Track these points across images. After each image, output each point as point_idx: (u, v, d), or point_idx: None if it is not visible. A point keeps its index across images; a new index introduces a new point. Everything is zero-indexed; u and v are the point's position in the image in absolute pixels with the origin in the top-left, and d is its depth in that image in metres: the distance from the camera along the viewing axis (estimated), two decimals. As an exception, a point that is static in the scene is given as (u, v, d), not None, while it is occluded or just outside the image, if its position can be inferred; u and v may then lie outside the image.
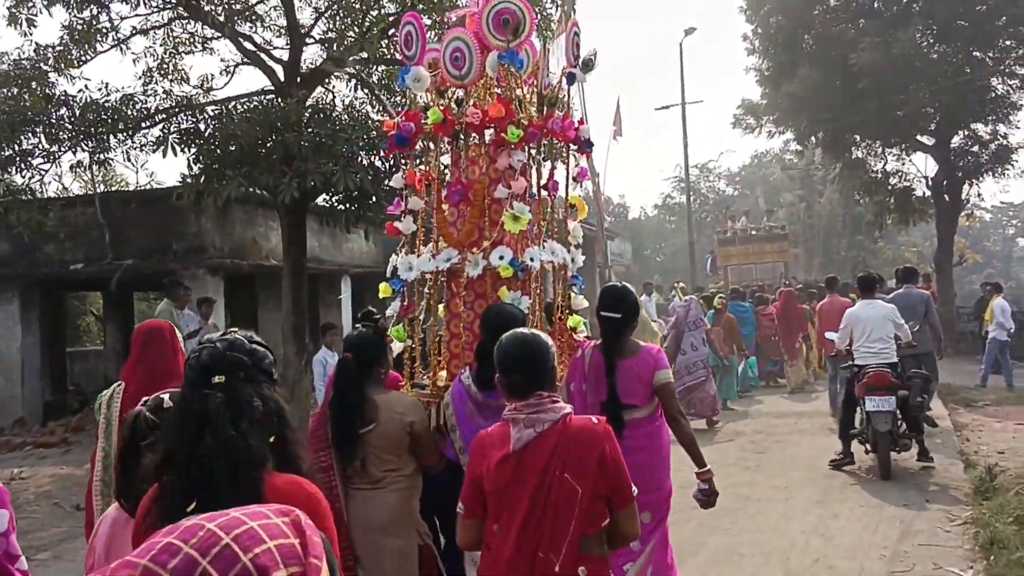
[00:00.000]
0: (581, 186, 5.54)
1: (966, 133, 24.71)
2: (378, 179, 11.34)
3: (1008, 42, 23.22)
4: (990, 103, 23.82)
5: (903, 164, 26.18)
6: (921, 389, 9.35)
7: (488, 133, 4.70)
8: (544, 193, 4.97)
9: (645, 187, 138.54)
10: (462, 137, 4.71)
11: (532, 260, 4.53)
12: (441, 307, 4.94)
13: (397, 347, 4.76)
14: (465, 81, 4.61)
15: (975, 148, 24.73)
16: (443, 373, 4.71)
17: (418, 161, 5.00)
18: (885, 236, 46.20)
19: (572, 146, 5.02)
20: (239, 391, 2.15)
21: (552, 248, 4.79)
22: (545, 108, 4.75)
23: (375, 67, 12.85)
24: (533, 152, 4.85)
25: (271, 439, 2.17)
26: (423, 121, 4.68)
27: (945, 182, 24.60)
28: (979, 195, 26.24)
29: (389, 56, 12.11)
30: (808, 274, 41.21)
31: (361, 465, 3.98)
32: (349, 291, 17.33)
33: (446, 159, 5.06)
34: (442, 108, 4.62)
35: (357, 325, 4.45)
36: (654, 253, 60.85)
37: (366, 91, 12.94)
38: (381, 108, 12.28)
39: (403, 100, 6.99)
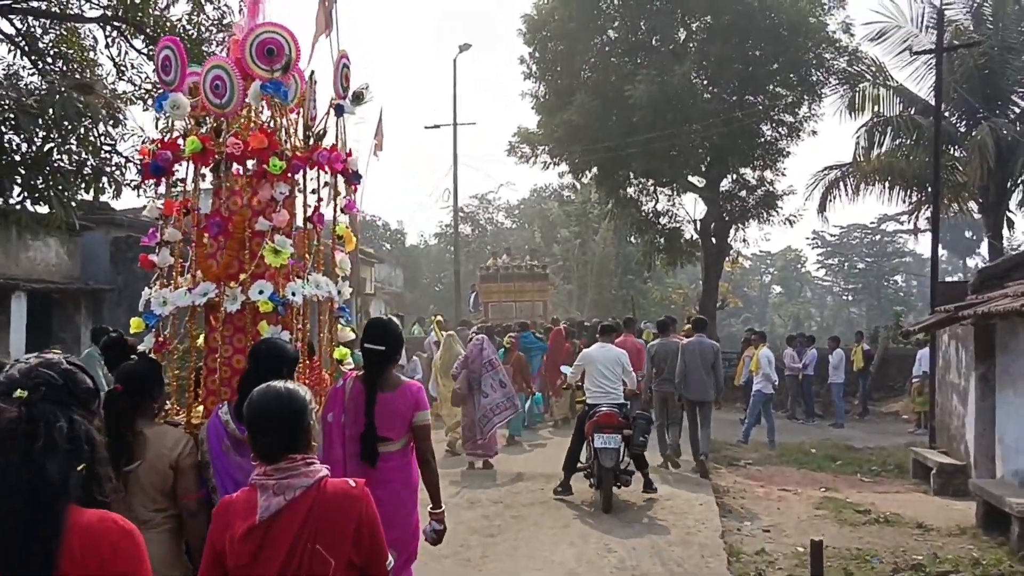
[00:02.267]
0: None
1: (735, 177, 24.71)
2: (68, 174, 8.90)
3: (778, 89, 23.38)
4: (759, 148, 23.88)
5: (673, 205, 25.96)
6: (644, 430, 9.63)
7: (251, 164, 4.50)
8: (310, 225, 4.77)
9: (424, 213, 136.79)
10: (223, 167, 4.46)
11: (294, 294, 4.38)
12: (200, 341, 4.71)
13: None
14: (226, 110, 4.39)
15: (742, 193, 24.75)
16: (199, 409, 4.49)
17: (176, 190, 4.79)
18: (654, 277, 47.17)
19: (340, 177, 4.92)
20: (41, 409, 2.00)
21: (317, 281, 4.65)
22: (312, 140, 4.62)
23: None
24: (298, 183, 4.65)
25: (79, 468, 2.00)
26: (181, 149, 4.45)
27: (713, 225, 24.41)
28: (744, 240, 26.21)
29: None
30: (580, 311, 41.12)
31: (128, 506, 3.63)
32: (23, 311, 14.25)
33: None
34: (201, 136, 4.40)
35: (133, 356, 4.25)
36: (432, 283, 59.41)
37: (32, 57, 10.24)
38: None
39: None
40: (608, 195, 25.81)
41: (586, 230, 45.20)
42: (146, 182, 5.40)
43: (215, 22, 10.95)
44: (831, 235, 76.63)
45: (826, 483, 11.18)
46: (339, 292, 4.92)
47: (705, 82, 23.21)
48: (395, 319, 4.79)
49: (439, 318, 18.02)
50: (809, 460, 12.84)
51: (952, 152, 22.33)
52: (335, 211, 5.00)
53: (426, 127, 33.54)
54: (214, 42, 10.80)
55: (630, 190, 25.32)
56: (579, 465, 9.65)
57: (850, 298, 79.46)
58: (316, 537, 2.64)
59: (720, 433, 14.78)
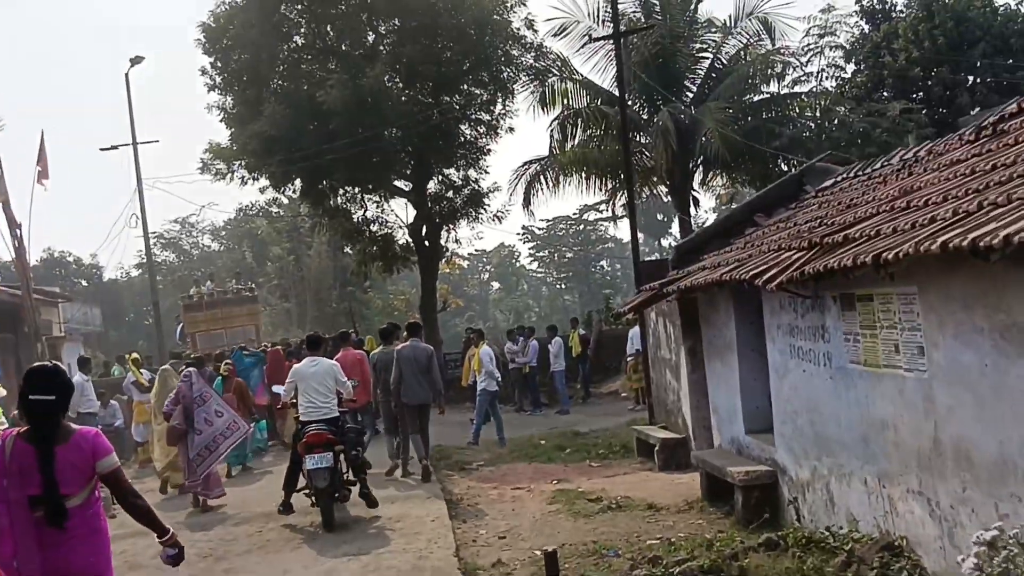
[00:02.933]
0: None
1: (440, 178, 24.62)
2: None
3: (472, 88, 23.51)
4: (460, 148, 23.92)
5: (383, 211, 25.46)
6: (356, 443, 9.86)
7: None
8: None
9: (115, 243, 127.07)
10: None
11: None
12: None
13: None
14: None
15: (449, 193, 24.71)
16: None
17: None
18: (374, 285, 46.62)
19: None
20: None
21: None
22: None
23: None
24: None
25: None
26: None
27: (424, 228, 24.18)
28: (457, 240, 26.22)
29: None
30: (302, 329, 39.76)
31: None
32: None
33: None
34: None
35: None
36: (141, 317, 55.12)
37: None
38: None
39: None
40: (315, 207, 24.86)
41: (299, 245, 43.84)
42: None
43: None
44: (539, 229, 79.70)
45: (558, 474, 11.11)
46: None
47: (400, 84, 22.88)
48: (60, 364, 4.43)
49: (135, 355, 16.33)
50: (539, 453, 12.79)
51: (639, 139, 23.53)
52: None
53: (102, 149, 30.70)
54: None
55: (337, 200, 24.51)
56: (300, 484, 9.45)
57: (563, 286, 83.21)
58: None
59: (451, 437, 14.53)
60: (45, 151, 16.75)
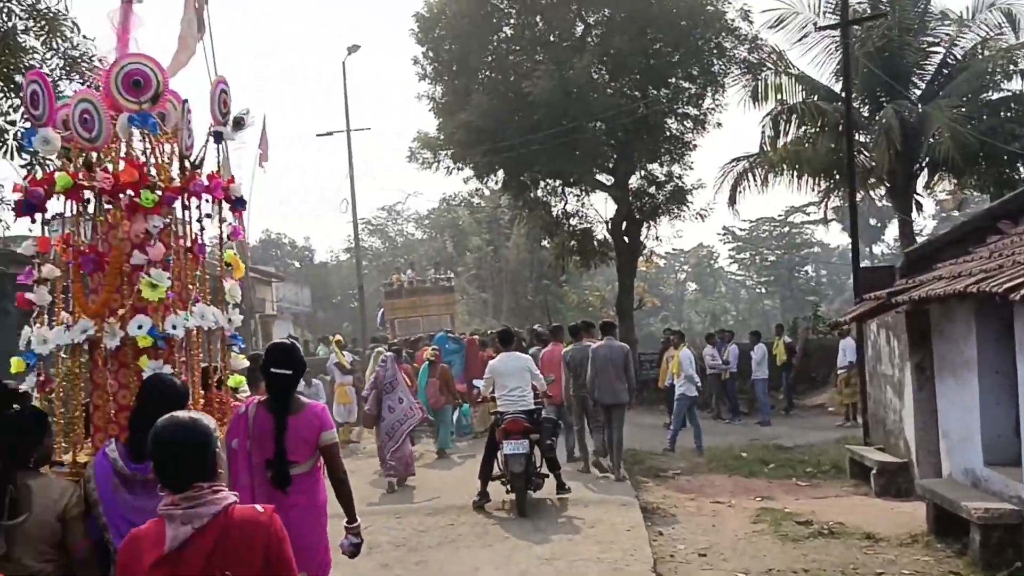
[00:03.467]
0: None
1: (643, 173, 24.06)
2: None
3: (681, 81, 22.82)
4: (665, 142, 23.28)
5: (583, 205, 25.19)
6: (551, 432, 10.26)
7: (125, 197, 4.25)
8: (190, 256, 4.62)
9: (325, 227, 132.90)
10: (96, 202, 4.35)
11: (175, 328, 4.23)
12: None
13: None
14: (96, 143, 4.25)
15: (651, 189, 24.12)
16: (87, 447, 4.37)
17: (54, 226, 4.54)
18: (570, 280, 46.56)
19: (224, 204, 4.78)
20: None
21: (202, 312, 4.50)
22: (187, 170, 4.49)
23: None
24: (176, 214, 4.55)
25: None
26: (53, 185, 4.26)
27: (624, 223, 23.70)
28: (657, 238, 25.54)
29: None
30: (497, 319, 40.23)
31: (6, 557, 3.55)
32: None
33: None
34: (71, 172, 4.26)
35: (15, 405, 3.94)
36: (346, 300, 57.71)
37: None
38: None
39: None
40: (516, 198, 24.93)
41: (498, 237, 44.33)
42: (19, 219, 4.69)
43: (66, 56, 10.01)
44: (741, 229, 77.33)
45: (761, 491, 10.36)
46: (229, 320, 4.83)
47: (607, 76, 22.45)
48: (295, 342, 4.87)
49: (338, 338, 16.77)
50: (740, 465, 12.01)
51: (858, 137, 22.05)
52: (221, 238, 4.88)
53: (318, 135, 32.12)
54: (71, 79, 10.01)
55: (538, 192, 24.47)
56: (495, 472, 9.83)
57: (763, 291, 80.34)
58: (225, 565, 2.68)
59: (645, 440, 14.02)
60: (267, 135, 17.40)
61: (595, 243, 24.97)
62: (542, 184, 24.23)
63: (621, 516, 8.76)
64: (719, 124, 23.82)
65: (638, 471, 11.67)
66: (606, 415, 11.22)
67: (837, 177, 22.63)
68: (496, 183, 24.66)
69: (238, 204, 4.93)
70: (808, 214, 73.77)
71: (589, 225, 25.14)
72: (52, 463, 4.26)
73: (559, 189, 24.65)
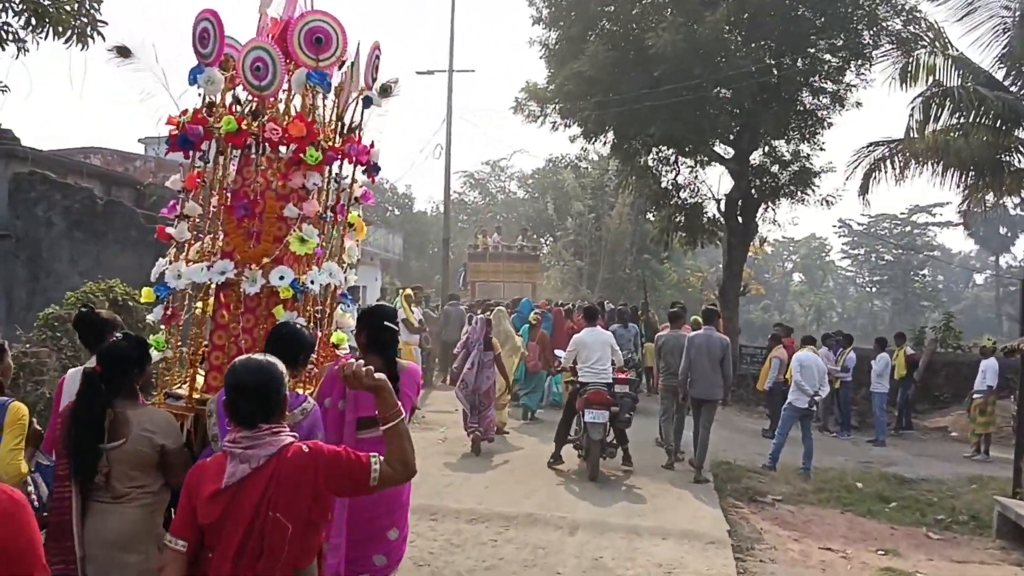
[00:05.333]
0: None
1: (767, 150, 21.85)
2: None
3: (823, 53, 20.45)
4: (795, 118, 21.01)
5: (696, 177, 23.12)
6: (629, 407, 10.52)
7: (283, 149, 4.48)
8: (330, 215, 4.80)
9: (417, 172, 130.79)
10: (256, 150, 4.43)
11: (312, 282, 4.47)
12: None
13: (155, 356, 4.45)
14: (264, 93, 4.35)
15: (774, 167, 21.89)
16: (200, 384, 4.49)
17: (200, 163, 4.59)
18: (671, 257, 44.42)
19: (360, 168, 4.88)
20: None
21: (331, 270, 4.65)
22: (345, 132, 4.66)
23: None
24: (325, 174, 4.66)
25: None
26: (213, 125, 4.34)
27: (740, 202, 21.57)
28: (774, 221, 23.22)
29: None
30: (591, 290, 38.66)
31: (105, 479, 3.83)
32: None
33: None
34: (237, 117, 4.32)
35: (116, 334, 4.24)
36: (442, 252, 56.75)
37: None
38: None
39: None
40: (624, 163, 22.98)
41: (601, 204, 42.43)
42: (172, 153, 4.69)
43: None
44: (859, 224, 73.64)
45: (882, 539, 8.47)
46: (344, 279, 4.92)
47: (739, 37, 20.20)
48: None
49: (408, 291, 15.25)
50: (855, 500, 10.07)
51: (1017, 133, 19.47)
52: (349, 199, 4.96)
53: (418, 72, 30.55)
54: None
55: (648, 158, 22.53)
56: (569, 437, 10.62)
57: (873, 290, 76.59)
58: (275, 505, 2.89)
59: (739, 448, 12.24)
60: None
61: (704, 220, 22.94)
62: (654, 151, 22.26)
63: (707, 559, 7.03)
64: (858, 104, 21.39)
65: (730, 491, 9.92)
66: (695, 410, 10.66)
67: (987, 176, 20.13)
68: (604, 144, 22.69)
69: (374, 169, 4.95)
70: (933, 215, 69.88)
71: (700, 200, 23.10)
72: (168, 394, 4.50)
73: (671, 158, 22.66)
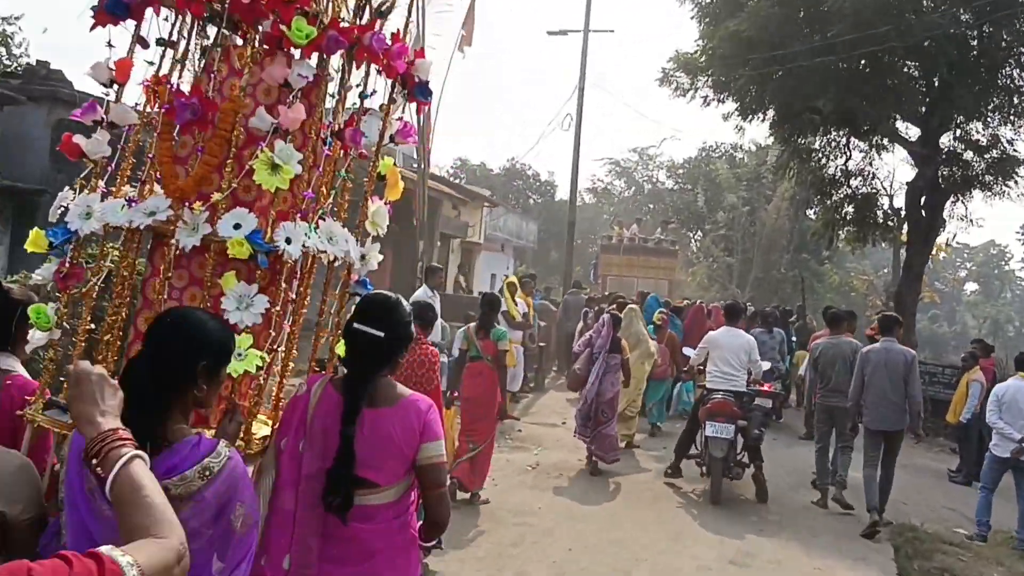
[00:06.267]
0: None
1: (959, 133, 18.42)
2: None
3: (1035, 18, 16.91)
4: (997, 94, 17.50)
5: (871, 163, 19.93)
6: (760, 422, 9.33)
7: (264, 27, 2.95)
8: (338, 144, 3.33)
9: (544, 145, 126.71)
10: (221, 24, 3.02)
11: (289, 241, 2.79)
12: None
13: (38, 338, 3.06)
14: None
15: (967, 154, 18.44)
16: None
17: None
18: (833, 258, 40.71)
19: (399, 86, 3.33)
20: None
21: (331, 231, 3.06)
22: (368, 10, 3.10)
23: None
24: (332, 76, 3.09)
25: None
26: None
27: (924, 195, 18.26)
28: (966, 217, 19.55)
29: None
30: (741, 289, 35.73)
31: None
32: None
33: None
34: None
35: None
36: (586, 243, 54.33)
37: None
38: None
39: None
40: (785, 144, 19.95)
41: (757, 197, 39.21)
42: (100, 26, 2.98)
43: None
44: (1049, 230, 66.93)
45: None
46: (362, 257, 3.36)
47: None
48: (402, 300, 3.08)
49: (511, 279, 12.96)
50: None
51: None
52: (382, 135, 3.32)
53: (549, 32, 28.14)
54: None
55: (815, 140, 19.53)
56: (692, 452, 9.59)
57: (1057, 306, 69.91)
58: None
59: (923, 498, 9.61)
60: (473, 15, 13.88)
61: (878, 213, 19.78)
62: (822, 130, 19.22)
63: None
64: (1077, 83, 17.68)
65: (913, 554, 7.26)
66: (870, 442, 8.65)
67: None
68: (763, 121, 19.72)
69: (419, 92, 3.36)
70: None
71: (874, 191, 19.92)
72: (51, 403, 2.92)
73: (843, 139, 19.57)
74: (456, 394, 8.15)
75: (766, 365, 10.06)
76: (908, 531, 7.77)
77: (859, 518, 8.48)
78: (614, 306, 12.06)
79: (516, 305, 12.07)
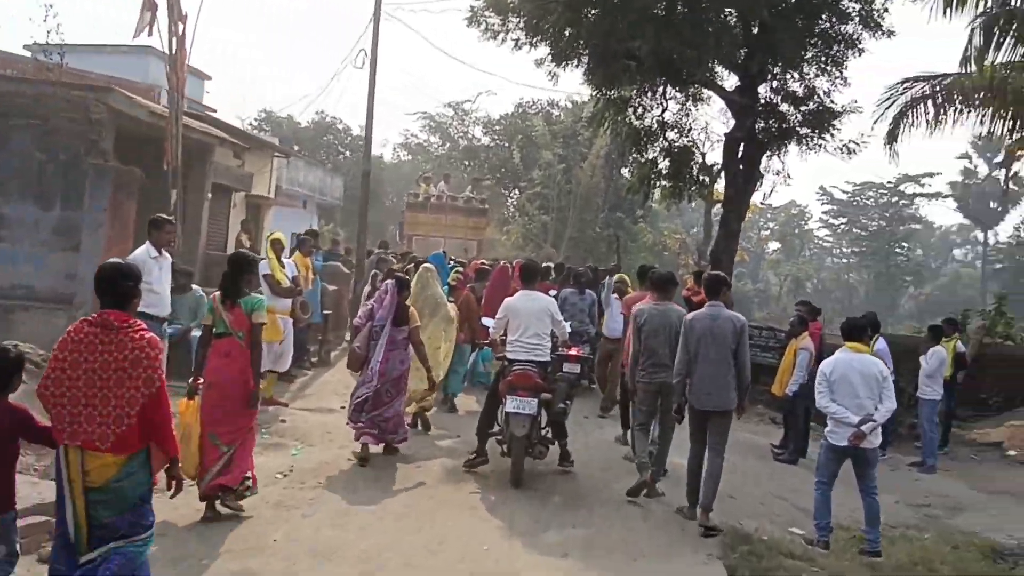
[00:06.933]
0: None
1: (776, 84, 17.58)
2: None
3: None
4: (815, 43, 16.71)
5: (687, 115, 18.86)
6: (566, 395, 8.46)
7: None
8: None
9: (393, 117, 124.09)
10: None
11: None
12: None
13: None
14: None
15: (784, 106, 17.65)
16: None
17: None
18: (647, 216, 40.51)
19: None
20: None
21: None
22: None
23: None
24: None
25: None
26: None
27: (742, 146, 17.31)
28: (781, 172, 18.79)
29: None
30: (557, 248, 34.83)
31: None
32: None
33: None
34: None
35: None
36: (399, 204, 52.14)
37: None
38: None
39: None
40: (600, 93, 18.52)
41: (573, 155, 38.37)
42: None
43: None
44: (843, 191, 70.26)
45: None
46: None
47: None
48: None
49: (275, 235, 10.67)
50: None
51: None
52: None
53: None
54: None
55: (631, 89, 18.25)
56: (492, 431, 8.45)
57: (848, 262, 73.48)
58: None
59: (753, 484, 8.37)
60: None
61: (693, 167, 18.81)
62: (639, 79, 17.91)
63: None
64: (890, 33, 17.08)
65: (747, 560, 5.90)
66: (696, 426, 7.45)
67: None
68: (577, 66, 18.17)
69: None
70: (922, 185, 66.33)
71: (690, 143, 18.90)
72: None
73: (659, 90, 18.37)
74: (200, 381, 6.23)
75: (571, 327, 9.38)
76: (741, 543, 6.37)
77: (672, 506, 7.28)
78: (412, 266, 10.47)
79: (283, 267, 9.96)
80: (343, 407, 8.81)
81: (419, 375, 8.90)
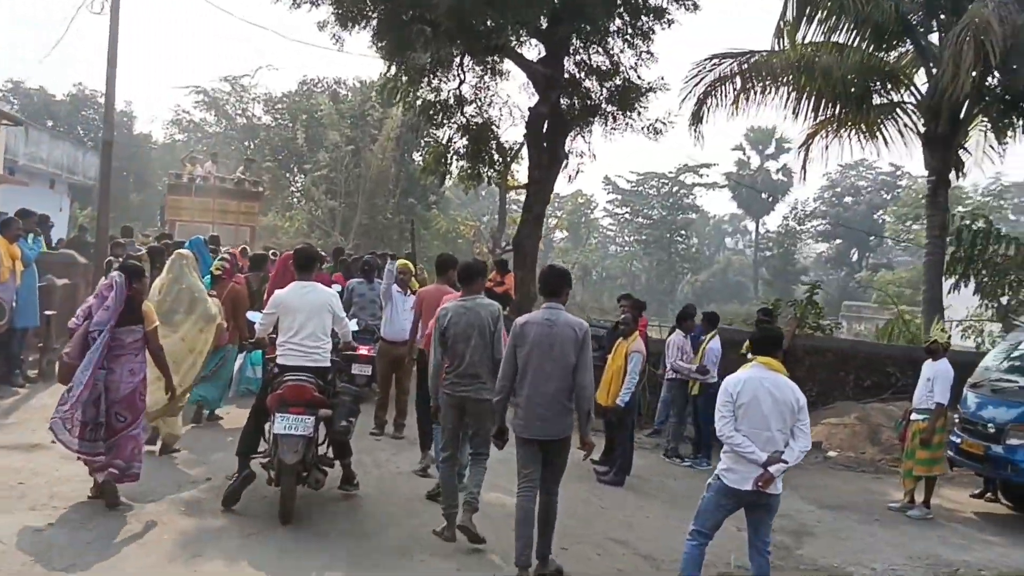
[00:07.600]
0: None
1: (580, 58, 16.28)
2: None
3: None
4: (621, 11, 15.51)
5: (486, 88, 17.28)
6: (350, 410, 7.25)
7: None
8: None
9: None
10: None
11: None
12: None
13: None
14: None
15: (588, 82, 16.40)
16: None
17: None
18: (440, 203, 39.04)
19: None
20: None
21: None
22: None
23: None
24: None
25: None
26: None
27: (546, 124, 15.90)
28: (586, 153, 17.56)
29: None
30: (345, 236, 32.68)
31: None
32: None
33: None
34: None
35: None
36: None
37: None
38: None
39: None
40: (391, 57, 16.48)
41: (362, 136, 36.14)
42: None
43: None
44: (628, 181, 71.92)
45: None
46: None
47: None
48: None
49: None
50: None
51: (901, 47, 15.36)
52: None
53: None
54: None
55: (426, 57, 16.37)
56: (259, 452, 6.90)
57: (630, 249, 75.50)
58: None
59: (580, 520, 6.81)
60: None
61: (493, 146, 17.30)
62: (434, 46, 16.05)
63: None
64: (695, 6, 16.11)
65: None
66: (527, 459, 5.99)
67: (850, 108, 15.85)
68: (366, 28, 16.06)
69: None
70: (700, 175, 68.86)
71: (489, 119, 17.34)
72: None
73: (457, 59, 16.63)
74: None
75: (355, 325, 8.24)
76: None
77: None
78: (173, 253, 8.44)
79: None
80: (55, 441, 6.54)
81: (158, 385, 7.05)
